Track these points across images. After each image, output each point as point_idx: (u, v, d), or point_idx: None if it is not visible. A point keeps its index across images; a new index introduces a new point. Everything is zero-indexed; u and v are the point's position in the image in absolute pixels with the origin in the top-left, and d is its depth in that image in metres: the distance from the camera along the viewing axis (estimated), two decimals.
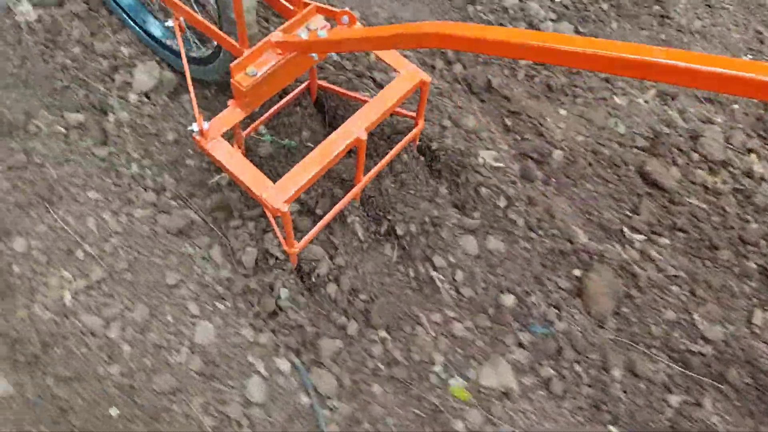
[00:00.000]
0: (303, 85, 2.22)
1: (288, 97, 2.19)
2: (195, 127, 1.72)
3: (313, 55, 1.71)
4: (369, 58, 2.48)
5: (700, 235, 2.20)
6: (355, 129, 1.81)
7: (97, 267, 1.94)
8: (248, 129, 2.11)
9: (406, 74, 1.94)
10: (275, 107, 2.16)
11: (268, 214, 1.92)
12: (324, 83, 2.23)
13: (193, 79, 2.19)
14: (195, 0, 2.09)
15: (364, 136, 1.81)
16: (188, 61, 2.16)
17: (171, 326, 1.88)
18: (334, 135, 1.80)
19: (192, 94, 1.77)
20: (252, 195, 1.73)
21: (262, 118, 2.13)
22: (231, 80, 1.70)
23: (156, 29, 2.32)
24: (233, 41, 1.71)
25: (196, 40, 2.20)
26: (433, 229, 2.09)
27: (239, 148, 2.07)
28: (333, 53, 2.37)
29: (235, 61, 1.67)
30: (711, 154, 2.39)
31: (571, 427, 1.84)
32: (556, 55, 1.06)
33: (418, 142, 2.25)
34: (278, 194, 1.68)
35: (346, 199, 2.01)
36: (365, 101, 1.92)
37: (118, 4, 2.35)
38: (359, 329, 1.92)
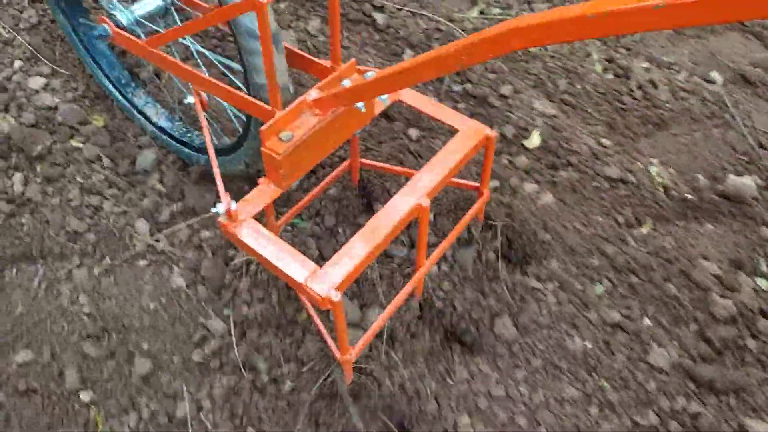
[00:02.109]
0: (344, 163, 1.93)
1: (329, 177, 1.89)
2: (220, 207, 1.40)
3: (360, 106, 1.43)
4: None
5: None
6: (414, 195, 1.48)
7: None
8: (284, 217, 1.79)
9: (467, 131, 1.63)
10: (314, 191, 1.86)
11: (311, 313, 1.54)
12: (368, 161, 1.94)
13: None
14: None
15: (427, 203, 1.47)
16: (196, 151, 1.92)
17: None
18: (387, 205, 1.46)
19: (216, 169, 1.47)
20: (292, 284, 1.36)
21: (300, 203, 1.82)
22: (262, 148, 1.41)
23: (165, 121, 2.11)
24: (264, 105, 1.44)
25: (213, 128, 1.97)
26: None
27: (273, 229, 1.74)
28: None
29: (267, 124, 1.39)
30: None
31: None
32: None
33: (483, 218, 1.90)
34: (326, 278, 1.32)
35: (408, 287, 1.63)
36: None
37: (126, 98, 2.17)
38: None
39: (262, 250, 1.39)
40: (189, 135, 2.07)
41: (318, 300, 1.31)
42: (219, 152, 1.86)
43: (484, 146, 1.65)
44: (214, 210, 1.40)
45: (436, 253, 1.70)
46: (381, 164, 1.93)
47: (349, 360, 1.49)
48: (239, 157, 1.80)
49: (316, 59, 1.59)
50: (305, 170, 1.52)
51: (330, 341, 1.51)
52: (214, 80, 1.53)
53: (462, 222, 1.77)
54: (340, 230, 1.94)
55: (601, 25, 0.84)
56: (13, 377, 1.63)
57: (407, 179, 1.63)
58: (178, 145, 2.05)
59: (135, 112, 2.15)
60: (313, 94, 1.46)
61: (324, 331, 1.52)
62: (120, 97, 2.16)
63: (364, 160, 1.94)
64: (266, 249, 1.39)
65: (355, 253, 1.36)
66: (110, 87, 2.17)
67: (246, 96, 1.49)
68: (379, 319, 1.56)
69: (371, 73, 1.36)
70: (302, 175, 1.53)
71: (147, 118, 2.13)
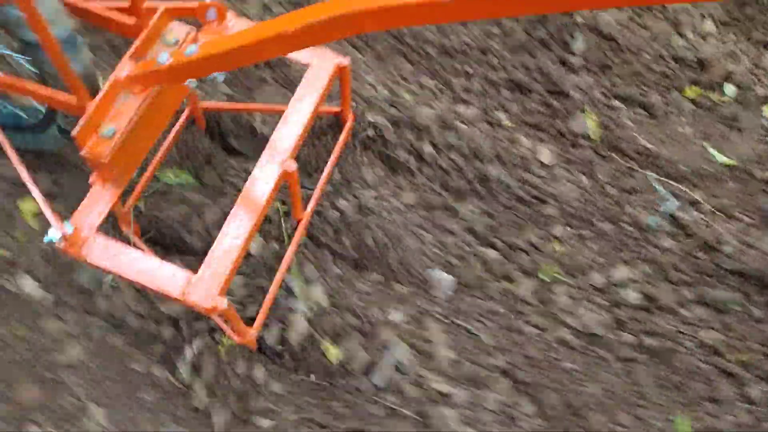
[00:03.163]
0: (182, 118, 1.66)
1: (172, 133, 1.62)
2: (54, 234, 1.16)
3: (191, 82, 1.18)
4: None
5: None
6: (275, 160, 1.31)
7: None
8: (130, 199, 1.54)
9: (318, 64, 1.44)
10: (157, 157, 1.60)
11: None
12: (210, 104, 1.69)
13: (26, 151, 1.60)
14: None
15: (293, 167, 1.31)
16: (14, 131, 1.55)
17: None
18: (251, 179, 1.29)
19: (33, 187, 1.19)
20: (170, 298, 1.21)
21: (143, 180, 1.56)
22: (81, 153, 1.15)
23: None
24: (68, 98, 1.14)
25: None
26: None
27: (128, 228, 1.51)
28: None
29: (78, 124, 1.12)
30: None
31: None
32: None
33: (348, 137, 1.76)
34: (206, 286, 1.18)
35: (292, 249, 1.52)
36: (277, 111, 1.42)
37: None
38: None
39: (125, 271, 1.20)
40: None
41: (205, 311, 1.18)
42: (30, 129, 1.51)
43: (339, 76, 1.48)
44: (46, 239, 1.16)
45: (316, 196, 1.59)
46: (226, 104, 1.69)
47: (252, 340, 1.42)
48: (55, 135, 1.48)
49: (110, 12, 1.25)
50: (142, 157, 1.29)
51: (227, 330, 1.41)
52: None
53: (333, 157, 1.64)
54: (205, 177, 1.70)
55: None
56: None
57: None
58: None
59: None
60: (125, 68, 1.17)
61: (222, 325, 1.41)
62: None
63: (205, 104, 1.68)
64: (128, 269, 1.20)
65: (229, 249, 1.22)
66: None
67: (43, 89, 1.17)
68: (270, 292, 1.47)
69: (192, 49, 1.09)
70: (138, 166, 1.28)
71: None
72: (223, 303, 1.17)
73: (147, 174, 1.57)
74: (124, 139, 1.17)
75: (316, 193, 1.58)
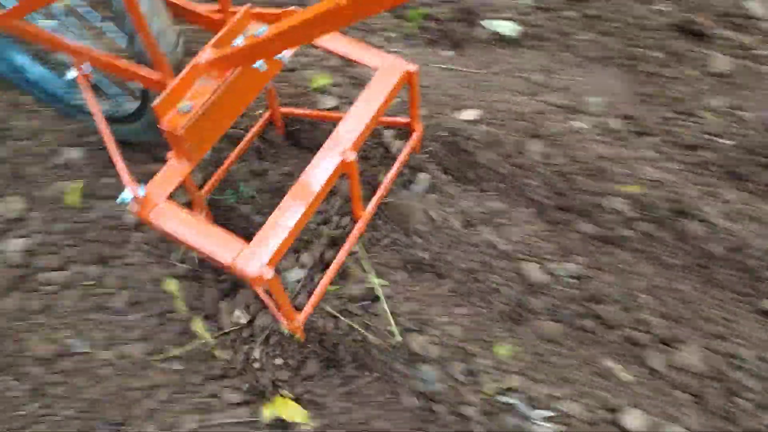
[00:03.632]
0: (264, 117, 1.79)
1: (249, 134, 1.76)
2: (126, 195, 1.28)
3: (259, 65, 1.28)
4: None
5: None
6: (337, 150, 1.38)
7: None
8: (207, 185, 1.67)
9: (386, 69, 1.51)
10: (234, 151, 1.73)
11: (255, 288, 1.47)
12: (290, 109, 1.81)
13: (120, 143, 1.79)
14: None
15: (352, 157, 1.37)
16: (109, 121, 1.74)
17: None
18: (310, 165, 1.36)
19: (115, 153, 1.33)
20: (222, 267, 1.27)
21: (223, 166, 1.69)
22: (159, 125, 1.27)
23: (57, 88, 1.89)
24: (153, 74, 1.28)
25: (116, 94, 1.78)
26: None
27: (201, 212, 1.63)
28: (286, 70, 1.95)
29: (159, 98, 1.24)
30: None
31: None
32: None
33: (419, 150, 1.81)
34: (255, 256, 1.23)
35: (350, 242, 1.56)
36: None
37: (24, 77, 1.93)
38: None
39: (184, 235, 1.29)
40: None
41: (251, 280, 1.23)
42: (123, 120, 1.69)
43: (407, 82, 1.54)
44: (119, 200, 1.28)
45: (377, 198, 1.63)
46: (303, 110, 1.80)
47: (297, 327, 1.45)
48: (146, 125, 1.64)
49: (201, 9, 1.41)
50: (215, 138, 1.39)
51: (274, 311, 1.46)
52: (93, 49, 1.35)
53: (398, 163, 1.68)
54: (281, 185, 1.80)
55: None
56: None
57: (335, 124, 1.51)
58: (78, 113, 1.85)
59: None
60: (206, 54, 1.30)
61: (270, 305, 1.46)
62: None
63: (284, 108, 1.80)
64: (187, 233, 1.29)
65: (282, 224, 1.28)
66: None
67: (129, 65, 1.32)
68: (321, 284, 1.50)
69: (263, 29, 1.20)
70: (213, 144, 1.39)
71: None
72: (269, 273, 1.22)
73: (223, 166, 1.70)
74: (200, 116, 1.28)
75: (380, 192, 1.62)
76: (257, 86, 1.43)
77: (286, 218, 1.28)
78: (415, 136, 1.71)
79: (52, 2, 1.34)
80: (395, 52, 2.00)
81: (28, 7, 1.38)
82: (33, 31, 1.43)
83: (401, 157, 1.69)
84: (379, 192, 1.62)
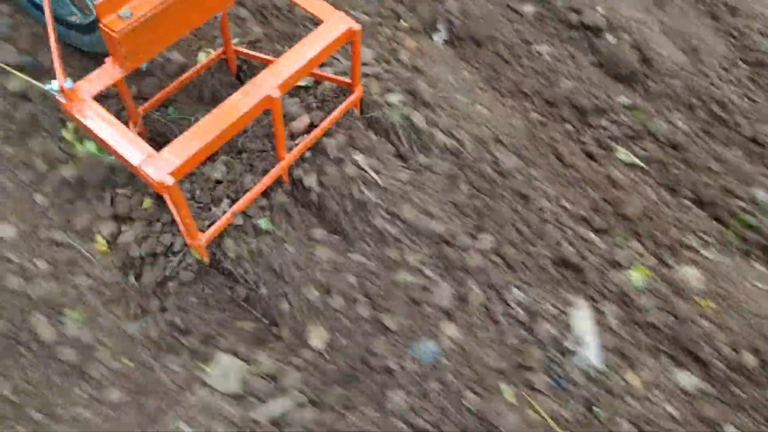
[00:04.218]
0: (216, 53, 1.87)
1: (197, 67, 1.83)
2: (54, 84, 1.35)
3: None
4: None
5: None
6: (264, 86, 1.46)
7: None
8: (147, 103, 1.75)
9: (331, 23, 1.59)
10: (180, 78, 1.80)
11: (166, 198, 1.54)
12: (242, 48, 1.88)
13: (79, 51, 1.85)
14: None
15: (276, 94, 1.45)
16: (69, 27, 1.81)
17: None
18: (237, 94, 1.44)
19: (54, 44, 1.40)
20: (131, 168, 1.35)
21: (164, 90, 1.77)
22: (99, 24, 1.35)
23: None
24: None
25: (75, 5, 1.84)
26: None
27: (135, 126, 1.70)
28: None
29: None
30: None
31: None
32: None
33: (359, 112, 1.89)
34: (162, 164, 1.31)
35: (267, 179, 1.64)
36: None
37: None
38: None
39: (101, 132, 1.37)
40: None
41: (153, 184, 1.31)
42: (85, 29, 1.76)
43: (350, 40, 1.62)
44: (47, 86, 1.35)
45: (301, 145, 1.70)
46: (253, 53, 1.87)
47: (200, 245, 1.53)
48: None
49: None
50: (152, 52, 1.47)
51: (181, 227, 1.53)
52: None
53: (330, 117, 1.76)
54: None
55: None
56: None
57: None
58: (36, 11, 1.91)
59: None
60: None
61: (176, 215, 1.53)
62: None
63: (237, 48, 1.88)
64: (105, 131, 1.37)
65: (192, 141, 1.36)
66: None
67: None
68: (230, 209, 1.58)
69: None
70: (150, 58, 1.47)
71: None
72: (170, 180, 1.30)
73: (167, 89, 1.77)
74: (138, 24, 1.36)
75: (306, 140, 1.70)
76: (202, 13, 1.51)
77: (198, 136, 1.36)
78: (353, 95, 1.79)
79: None
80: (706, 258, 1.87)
81: None
82: None
83: (337, 110, 1.77)
84: (306, 139, 1.70)
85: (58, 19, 1.84)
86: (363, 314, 1.57)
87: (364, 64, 1.92)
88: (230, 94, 1.89)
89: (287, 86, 1.50)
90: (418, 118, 1.87)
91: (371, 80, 1.91)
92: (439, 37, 2.28)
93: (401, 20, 2.22)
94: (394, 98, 1.90)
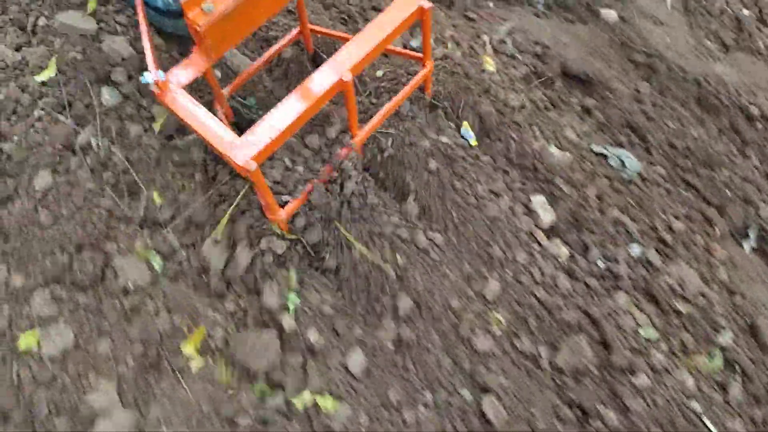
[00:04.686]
0: (293, 33, 1.94)
1: (276, 46, 1.92)
2: (148, 77, 1.48)
3: None
4: None
5: None
6: (336, 70, 1.52)
7: None
8: (231, 86, 1.86)
9: (401, 2, 1.62)
10: (260, 60, 1.90)
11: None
12: (317, 27, 1.95)
13: (171, 36, 1.98)
14: None
15: (348, 77, 1.51)
16: (161, 14, 1.94)
17: None
18: (311, 79, 1.52)
19: (146, 39, 1.52)
20: (219, 154, 1.47)
21: (247, 71, 1.87)
22: (185, 18, 1.45)
23: None
24: None
25: None
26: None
27: (222, 110, 1.83)
28: None
29: None
30: None
31: None
32: None
33: (428, 91, 1.92)
34: (245, 149, 1.42)
35: (341, 154, 1.72)
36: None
37: None
38: None
39: (190, 119, 1.49)
40: None
41: (236, 167, 1.43)
42: (168, 14, 1.88)
43: (420, 17, 1.64)
44: (142, 79, 1.48)
45: (374, 122, 1.76)
46: (330, 31, 1.93)
47: (281, 219, 1.65)
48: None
49: None
50: (234, 42, 1.57)
51: (263, 204, 1.66)
52: None
53: (403, 92, 1.80)
54: None
55: None
56: None
57: None
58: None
59: None
60: None
61: (261, 194, 1.65)
62: None
63: (313, 27, 1.94)
64: (194, 119, 1.49)
65: (272, 125, 1.45)
66: None
67: None
68: (307, 185, 1.68)
69: None
70: (232, 47, 1.56)
71: None
72: (252, 165, 1.40)
73: (249, 70, 1.87)
74: (220, 18, 1.45)
75: (377, 117, 1.76)
76: (281, 1, 1.58)
77: (277, 121, 1.46)
78: (425, 70, 1.82)
79: None
80: None
81: None
82: None
83: (409, 84, 1.80)
84: (377, 118, 1.76)
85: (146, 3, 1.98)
86: None
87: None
88: (307, 72, 2.01)
89: (359, 69, 1.56)
90: None
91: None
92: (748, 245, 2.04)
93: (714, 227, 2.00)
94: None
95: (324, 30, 1.93)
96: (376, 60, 1.99)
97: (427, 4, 1.61)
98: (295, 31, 1.94)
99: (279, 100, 1.92)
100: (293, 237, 1.66)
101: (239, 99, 1.92)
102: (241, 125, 1.93)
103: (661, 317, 1.72)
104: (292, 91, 1.50)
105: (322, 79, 1.51)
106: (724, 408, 1.60)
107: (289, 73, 2.01)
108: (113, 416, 1.37)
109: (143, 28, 1.53)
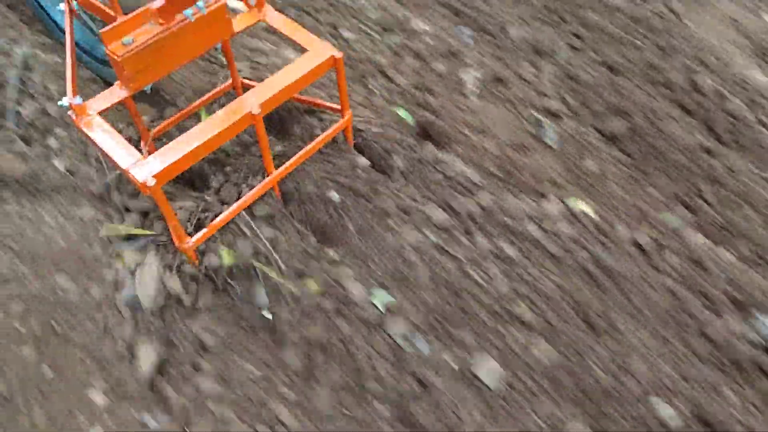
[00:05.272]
0: (226, 84, 2.08)
1: (206, 96, 2.04)
2: (65, 100, 1.58)
3: (188, 14, 1.57)
4: None
5: None
6: (247, 104, 1.63)
7: None
8: (161, 125, 1.96)
9: (314, 50, 1.76)
10: (195, 104, 2.02)
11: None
12: (247, 80, 2.09)
13: (105, 82, 2.11)
14: None
15: (257, 111, 1.61)
16: (103, 64, 2.08)
17: None
18: (223, 110, 1.62)
19: (70, 65, 1.63)
20: (122, 171, 1.54)
21: (176, 116, 1.98)
22: (105, 49, 1.57)
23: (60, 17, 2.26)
24: (108, 9, 1.59)
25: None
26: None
27: (146, 145, 1.92)
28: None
29: (107, 27, 1.55)
30: None
31: None
32: None
33: (353, 139, 2.03)
34: (146, 166, 1.49)
35: (254, 192, 1.79)
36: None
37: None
38: None
39: (98, 139, 1.57)
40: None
41: (138, 185, 1.48)
42: (107, 62, 2.03)
43: (333, 67, 1.78)
44: (59, 103, 1.57)
45: (290, 163, 1.84)
46: (253, 82, 2.06)
47: (187, 248, 1.68)
48: None
49: None
50: (153, 77, 1.68)
51: (172, 231, 1.69)
52: None
53: (318, 139, 1.90)
54: None
55: None
56: None
57: None
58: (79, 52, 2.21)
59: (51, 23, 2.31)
60: (157, 3, 1.60)
61: (169, 221, 1.69)
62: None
63: (244, 79, 2.08)
64: (102, 139, 1.57)
65: (178, 149, 1.53)
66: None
67: (95, 2, 1.64)
68: (219, 217, 1.73)
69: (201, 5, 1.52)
70: (151, 81, 1.67)
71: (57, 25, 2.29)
72: (152, 181, 1.46)
73: (176, 116, 1.98)
74: (139, 51, 1.57)
75: (294, 159, 1.84)
76: (202, 44, 1.72)
77: (183, 145, 1.54)
78: (343, 121, 1.94)
79: None
80: None
81: None
82: None
83: (326, 133, 1.91)
84: (295, 158, 1.85)
85: (87, 52, 2.13)
86: None
87: None
88: None
89: (269, 106, 1.66)
90: None
91: None
92: None
93: None
94: None
95: (253, 83, 2.07)
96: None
97: (338, 54, 1.75)
98: (227, 82, 2.08)
99: None
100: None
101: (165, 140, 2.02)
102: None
103: None
104: (204, 120, 1.59)
105: (232, 111, 1.61)
106: None
107: None
108: None
109: (69, 54, 1.65)
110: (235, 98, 2.11)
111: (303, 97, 2.05)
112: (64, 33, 2.25)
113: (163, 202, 1.54)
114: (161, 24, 1.61)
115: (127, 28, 1.58)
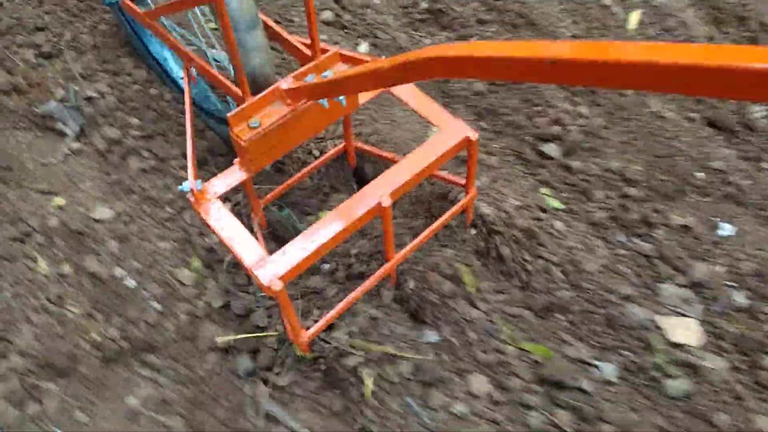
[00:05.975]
0: (339, 147, 1.94)
1: (318, 160, 1.91)
2: (186, 186, 1.47)
3: (323, 103, 1.43)
4: None
5: None
6: (376, 193, 1.48)
7: None
8: (270, 194, 1.84)
9: (448, 131, 1.60)
10: (303, 171, 1.89)
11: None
12: (361, 144, 1.94)
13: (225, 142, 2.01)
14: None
15: (388, 203, 1.46)
16: (218, 122, 1.98)
17: None
18: (350, 200, 1.47)
19: (190, 146, 1.53)
20: (244, 269, 1.42)
21: (283, 185, 1.86)
22: (230, 132, 1.45)
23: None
24: (237, 89, 1.47)
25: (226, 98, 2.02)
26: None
27: (256, 217, 1.80)
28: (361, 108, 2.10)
29: (234, 111, 1.42)
30: None
31: None
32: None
33: (471, 217, 1.86)
34: (271, 267, 1.36)
35: (372, 279, 1.64)
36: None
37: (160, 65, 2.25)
38: None
39: (220, 231, 1.45)
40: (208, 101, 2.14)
41: (261, 287, 1.36)
42: (223, 120, 1.92)
43: (465, 147, 1.61)
44: (180, 188, 1.47)
45: (411, 246, 1.70)
46: (373, 149, 1.92)
47: (302, 342, 1.55)
48: None
49: (297, 43, 1.58)
50: (274, 157, 1.55)
51: (286, 325, 1.57)
52: (198, 58, 1.57)
53: (442, 218, 1.75)
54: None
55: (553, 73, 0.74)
56: None
57: None
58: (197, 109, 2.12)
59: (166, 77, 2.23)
60: (287, 82, 1.47)
61: (284, 315, 1.57)
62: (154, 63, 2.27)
63: (357, 144, 1.94)
64: (223, 230, 1.45)
65: (303, 246, 1.40)
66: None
67: (222, 78, 1.52)
68: (336, 307, 1.60)
69: (329, 73, 1.35)
70: (272, 161, 1.55)
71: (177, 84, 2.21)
72: (277, 285, 1.34)
73: (287, 182, 1.86)
74: (264, 134, 1.44)
75: (413, 243, 1.70)
76: (325, 120, 1.58)
77: (309, 241, 1.40)
78: (467, 198, 1.77)
79: (183, 10, 1.59)
80: None
81: (165, 10, 1.63)
82: (162, 31, 1.69)
83: (449, 212, 1.75)
84: (414, 242, 1.69)
85: (205, 110, 2.03)
86: None
87: None
88: (346, 186, 1.99)
89: (399, 194, 1.51)
90: None
91: None
92: None
93: None
94: None
95: (368, 148, 1.92)
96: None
97: (474, 135, 1.58)
98: (340, 146, 1.94)
99: (312, 210, 1.93)
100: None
101: (273, 209, 1.90)
102: (276, 233, 1.91)
103: None
104: (329, 212, 1.46)
105: (360, 202, 1.47)
106: None
107: (328, 186, 1.99)
108: None
109: (189, 137, 1.54)
110: (345, 161, 2.01)
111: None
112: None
113: (287, 304, 1.41)
114: (288, 104, 1.48)
115: (254, 109, 1.46)
